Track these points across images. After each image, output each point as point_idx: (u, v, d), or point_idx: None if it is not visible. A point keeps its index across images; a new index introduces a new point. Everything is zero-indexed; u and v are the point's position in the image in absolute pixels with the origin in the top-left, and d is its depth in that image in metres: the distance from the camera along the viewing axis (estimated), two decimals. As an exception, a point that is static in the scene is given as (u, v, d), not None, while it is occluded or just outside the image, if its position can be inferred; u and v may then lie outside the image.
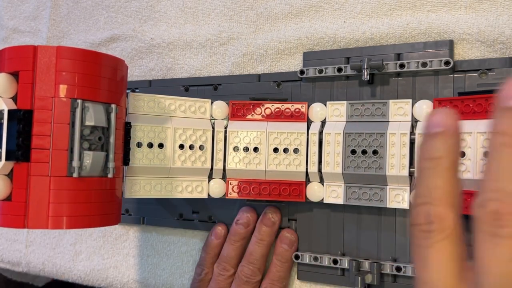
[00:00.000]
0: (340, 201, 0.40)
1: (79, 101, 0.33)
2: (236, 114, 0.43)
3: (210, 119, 0.43)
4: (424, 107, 0.38)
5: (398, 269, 0.40)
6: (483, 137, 0.34)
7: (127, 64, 0.38)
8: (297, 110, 0.42)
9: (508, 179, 0.20)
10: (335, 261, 0.42)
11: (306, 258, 0.43)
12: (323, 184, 0.41)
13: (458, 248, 0.22)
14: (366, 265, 0.41)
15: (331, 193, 0.41)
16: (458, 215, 0.23)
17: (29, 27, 0.66)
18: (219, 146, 0.42)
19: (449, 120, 0.23)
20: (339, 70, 0.43)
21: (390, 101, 0.39)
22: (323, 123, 0.42)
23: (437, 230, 0.22)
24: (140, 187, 0.40)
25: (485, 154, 0.34)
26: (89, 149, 0.34)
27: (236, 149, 0.42)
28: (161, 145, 0.40)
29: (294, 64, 0.47)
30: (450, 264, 0.22)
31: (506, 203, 0.20)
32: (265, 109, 0.43)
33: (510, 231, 0.20)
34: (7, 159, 0.32)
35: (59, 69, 0.33)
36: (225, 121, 0.43)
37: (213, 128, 0.42)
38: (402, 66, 0.41)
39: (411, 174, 0.38)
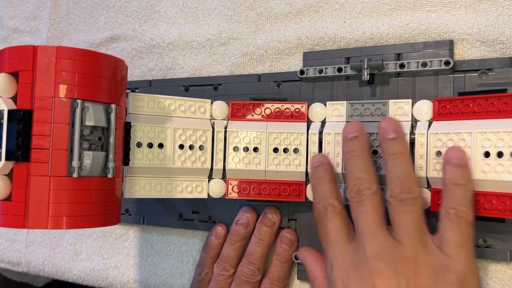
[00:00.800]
0: (340, 201, 0.40)
1: (79, 101, 0.33)
2: (236, 114, 0.43)
3: (210, 119, 0.43)
4: (424, 107, 0.38)
5: (398, 269, 0.40)
6: (483, 137, 0.34)
7: (127, 64, 0.38)
8: (297, 110, 0.42)
9: (360, 171, 0.36)
10: (335, 261, 0.42)
11: (306, 258, 0.43)
12: (323, 184, 0.41)
13: (346, 220, 0.37)
14: (366, 265, 0.41)
15: (331, 193, 0.41)
16: (342, 204, 0.37)
17: (29, 27, 0.66)
18: (219, 146, 0.42)
19: (323, 158, 0.39)
20: (339, 70, 0.43)
21: (390, 101, 0.39)
22: (323, 123, 0.42)
23: (331, 211, 0.36)
24: (140, 187, 0.40)
25: (485, 154, 0.34)
26: (89, 149, 0.34)
27: (236, 149, 0.42)
28: (161, 145, 0.40)
29: (294, 64, 0.47)
30: (342, 230, 0.36)
31: (362, 183, 0.35)
32: (265, 109, 0.43)
33: (366, 196, 0.35)
34: (7, 159, 0.32)
35: (59, 69, 0.33)
36: (225, 121, 0.43)
37: (213, 128, 0.42)
38: (402, 66, 0.41)
39: (411, 174, 0.38)
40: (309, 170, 0.40)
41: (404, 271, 0.32)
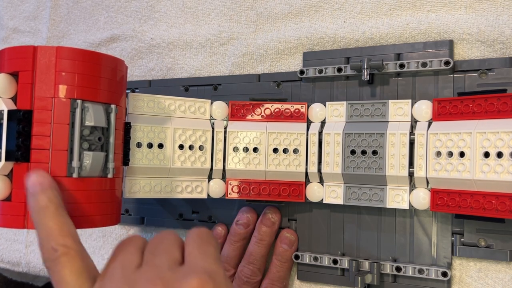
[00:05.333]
0: (340, 201, 0.40)
1: (78, 101, 0.33)
2: (235, 114, 0.43)
3: (210, 120, 0.43)
4: (423, 107, 0.38)
5: (398, 269, 0.40)
6: (482, 137, 0.34)
7: (127, 64, 0.38)
8: (296, 110, 0.42)
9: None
10: (335, 261, 0.42)
11: (306, 258, 0.43)
12: (322, 185, 0.41)
13: (86, 260, 0.29)
14: (366, 265, 0.41)
15: (331, 193, 0.41)
16: (76, 240, 0.29)
17: (29, 27, 0.66)
18: (219, 146, 0.42)
19: (43, 179, 0.30)
20: (339, 70, 0.43)
21: (390, 101, 0.39)
22: (323, 123, 0.42)
23: (64, 254, 0.28)
24: (140, 187, 0.40)
25: (485, 154, 0.34)
26: (89, 149, 0.34)
27: (235, 149, 0.42)
28: (160, 146, 0.40)
29: (294, 64, 0.47)
30: (83, 274, 0.28)
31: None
32: (264, 110, 0.43)
33: None
34: (7, 159, 0.32)
35: (58, 70, 0.33)
36: (225, 122, 0.43)
37: (213, 128, 0.42)
38: (402, 66, 0.41)
39: (410, 174, 0.38)
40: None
41: None
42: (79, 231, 0.31)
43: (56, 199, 0.30)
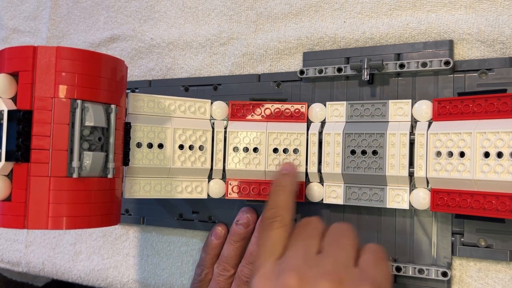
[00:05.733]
0: (340, 201, 0.40)
1: (78, 101, 0.33)
2: (236, 114, 0.43)
3: (210, 120, 0.43)
4: (423, 107, 0.38)
5: (398, 269, 0.40)
6: (482, 137, 0.34)
7: (126, 64, 0.38)
8: (296, 110, 0.42)
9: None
10: (335, 261, 0.42)
11: (306, 258, 0.43)
12: (322, 185, 0.41)
13: (287, 235, 0.35)
14: (366, 265, 0.41)
15: (331, 193, 0.41)
16: (291, 219, 0.36)
17: (29, 27, 0.66)
18: (219, 146, 0.42)
19: (292, 168, 0.39)
20: (339, 70, 0.43)
21: (390, 101, 0.39)
22: (323, 123, 0.42)
23: (279, 222, 0.35)
24: (140, 187, 0.40)
25: (485, 154, 0.34)
26: (89, 149, 0.34)
27: (235, 149, 0.42)
28: (160, 146, 0.40)
29: (294, 64, 0.47)
30: (280, 242, 0.34)
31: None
32: (264, 110, 0.43)
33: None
34: (7, 159, 0.32)
35: (58, 70, 0.33)
36: (225, 122, 0.43)
37: (213, 128, 0.42)
38: (402, 66, 0.41)
39: (410, 175, 0.38)
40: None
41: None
42: (79, 231, 0.31)
43: (294, 184, 0.38)
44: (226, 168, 0.42)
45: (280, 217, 0.36)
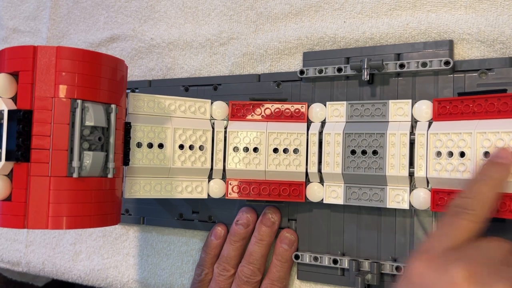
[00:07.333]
0: (340, 201, 0.40)
1: (79, 101, 0.33)
2: (236, 114, 0.43)
3: (210, 120, 0.43)
4: (424, 107, 0.38)
5: (398, 269, 0.40)
6: (483, 137, 0.34)
7: (127, 64, 0.38)
8: (297, 110, 0.42)
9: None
10: (335, 261, 0.42)
11: (306, 258, 0.43)
12: (323, 185, 0.41)
13: (473, 233, 0.32)
14: (366, 265, 0.41)
15: (331, 193, 0.41)
16: (484, 218, 0.32)
17: (29, 27, 0.66)
18: (219, 146, 0.42)
19: (507, 156, 0.33)
20: (339, 70, 0.43)
21: (390, 101, 0.39)
22: (323, 123, 0.42)
23: (469, 215, 0.32)
24: (140, 187, 0.40)
25: (485, 154, 0.34)
26: (89, 149, 0.34)
27: (236, 149, 0.42)
28: (161, 145, 0.40)
29: (294, 64, 0.47)
30: (463, 233, 0.31)
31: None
32: (265, 110, 0.43)
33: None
34: (7, 159, 0.32)
35: (59, 69, 0.33)
36: (225, 121, 0.43)
37: (213, 128, 0.42)
38: (402, 66, 0.41)
39: (410, 174, 0.38)
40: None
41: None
42: (79, 231, 0.31)
43: (501, 180, 0.33)
44: (226, 168, 0.42)
45: (473, 211, 0.32)
